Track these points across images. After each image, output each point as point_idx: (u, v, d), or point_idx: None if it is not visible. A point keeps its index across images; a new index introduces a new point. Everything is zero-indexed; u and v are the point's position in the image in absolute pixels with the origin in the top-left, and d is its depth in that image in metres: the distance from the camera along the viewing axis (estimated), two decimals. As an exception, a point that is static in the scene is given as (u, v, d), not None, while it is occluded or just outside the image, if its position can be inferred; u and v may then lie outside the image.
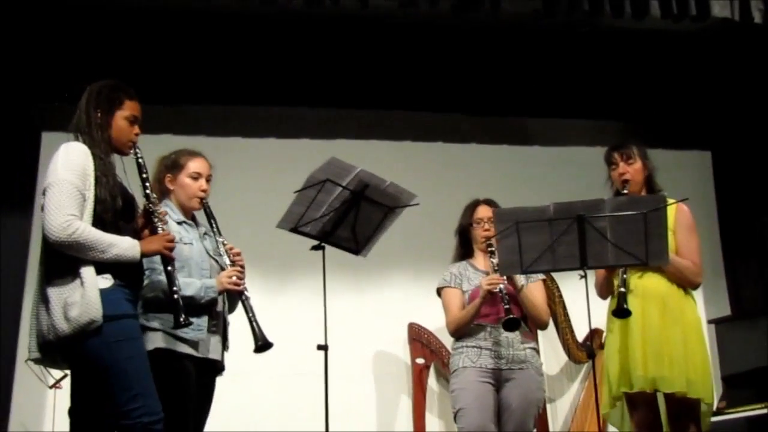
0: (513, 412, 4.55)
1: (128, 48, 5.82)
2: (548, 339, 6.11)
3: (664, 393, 4.15)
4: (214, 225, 3.91)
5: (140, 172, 3.56)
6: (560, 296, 5.98)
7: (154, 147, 3.68)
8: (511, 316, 4.39)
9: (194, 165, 3.99)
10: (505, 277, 4.45)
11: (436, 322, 5.37)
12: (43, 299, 3.25)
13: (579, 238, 3.83)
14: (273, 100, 6.19)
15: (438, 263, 4.98)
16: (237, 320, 3.96)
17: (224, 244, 3.89)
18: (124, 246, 3.31)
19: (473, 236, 4.81)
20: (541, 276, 4.80)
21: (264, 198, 5.76)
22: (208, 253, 3.91)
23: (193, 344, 3.70)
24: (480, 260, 4.79)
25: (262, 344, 3.76)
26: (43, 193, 3.30)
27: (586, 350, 5.92)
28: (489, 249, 4.59)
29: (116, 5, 5.70)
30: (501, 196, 4.90)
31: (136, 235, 3.46)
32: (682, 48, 6.42)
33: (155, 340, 3.62)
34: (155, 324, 3.64)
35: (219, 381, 3.95)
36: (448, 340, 5.01)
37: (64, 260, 3.24)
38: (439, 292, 4.81)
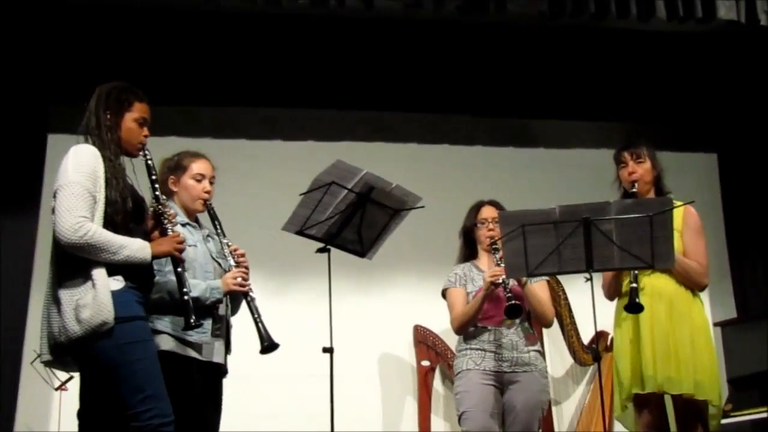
0: (517, 414, 4.53)
1: (133, 49, 5.83)
2: (554, 341, 6.11)
3: (671, 394, 4.14)
4: (218, 226, 3.91)
5: (149, 174, 3.57)
6: (566, 299, 5.98)
7: (159, 149, 3.68)
8: (513, 302, 4.36)
9: (197, 167, 3.99)
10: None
11: (441, 324, 5.36)
12: (55, 301, 3.25)
13: (585, 241, 3.81)
14: (278, 102, 6.20)
15: (443, 265, 4.97)
16: (242, 322, 3.96)
17: (228, 246, 3.89)
18: (135, 248, 3.31)
19: (477, 237, 4.80)
20: (546, 276, 4.79)
21: (269, 200, 5.76)
22: (211, 255, 3.91)
23: (197, 347, 3.70)
24: (484, 261, 4.77)
25: (268, 345, 3.76)
26: (54, 196, 3.31)
27: (591, 353, 5.91)
28: (493, 247, 4.58)
29: (122, 6, 5.71)
30: (506, 198, 4.90)
31: (146, 236, 3.46)
32: (687, 50, 6.42)
33: (160, 343, 3.61)
34: (159, 326, 3.64)
35: (224, 383, 3.95)
36: (453, 343, 5.00)
37: (75, 262, 3.24)
38: (444, 293, 4.80)
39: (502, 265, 4.31)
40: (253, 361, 3.93)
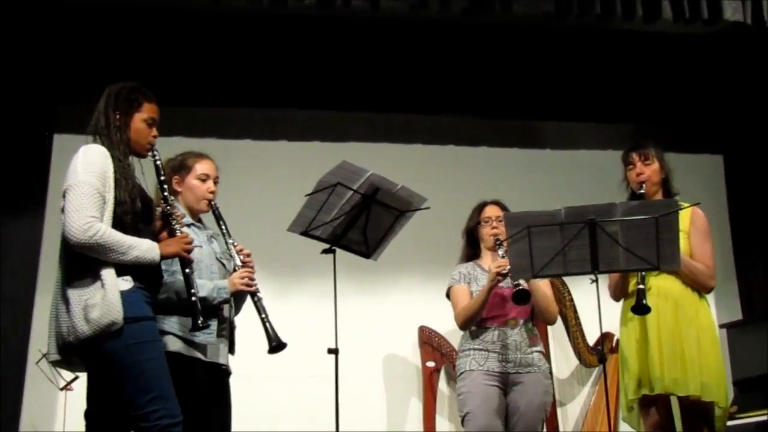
0: (521, 416, 4.51)
1: (139, 49, 5.84)
2: (559, 343, 6.11)
3: (678, 396, 4.14)
4: (223, 227, 3.90)
5: (158, 175, 3.58)
6: (571, 300, 5.97)
7: (164, 148, 3.68)
8: (521, 287, 4.33)
9: (201, 167, 3.98)
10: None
11: (446, 325, 5.36)
12: (64, 301, 3.25)
13: (590, 243, 3.82)
14: (283, 103, 6.19)
15: (449, 266, 4.96)
16: (247, 323, 3.96)
17: (234, 246, 3.89)
18: (144, 248, 3.32)
19: (481, 236, 4.77)
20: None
21: (274, 201, 5.77)
22: (216, 255, 3.91)
23: (202, 348, 3.70)
24: (488, 261, 4.74)
25: (276, 345, 3.75)
26: (63, 196, 3.31)
27: (597, 354, 5.90)
28: (497, 243, 4.56)
29: (128, 6, 5.72)
30: (512, 200, 4.90)
31: (155, 237, 3.47)
32: (693, 51, 6.42)
33: (167, 344, 3.60)
34: (166, 327, 3.63)
35: (230, 382, 3.95)
36: (458, 343, 5.00)
37: (84, 262, 3.25)
38: (448, 292, 4.77)
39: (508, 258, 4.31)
40: (258, 362, 3.94)
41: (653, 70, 6.45)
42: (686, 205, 4.07)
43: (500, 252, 4.49)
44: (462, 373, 4.61)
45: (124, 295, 3.23)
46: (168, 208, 3.53)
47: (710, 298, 4.37)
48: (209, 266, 3.83)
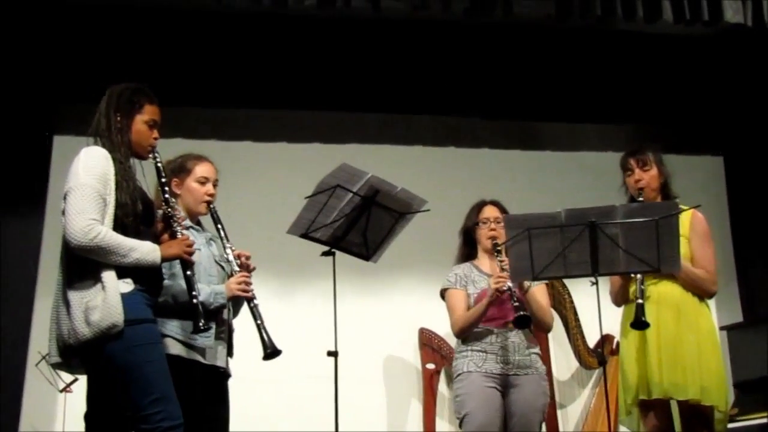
0: (520, 418, 4.48)
1: (139, 50, 5.84)
2: (559, 345, 6.10)
3: (677, 400, 4.13)
4: (221, 230, 3.89)
5: (159, 177, 3.58)
6: (571, 302, 5.97)
7: (164, 150, 3.67)
8: (522, 312, 4.30)
9: (201, 169, 3.97)
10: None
11: (446, 327, 5.30)
12: (64, 303, 3.24)
13: (591, 245, 3.82)
14: (283, 104, 6.19)
15: (449, 268, 4.96)
16: (246, 325, 3.95)
17: (232, 250, 3.88)
18: (145, 250, 3.31)
19: (478, 237, 4.73)
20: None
21: (274, 202, 5.76)
22: (214, 258, 3.90)
23: (201, 351, 3.69)
24: (484, 262, 4.71)
25: (271, 351, 3.74)
26: (64, 198, 3.30)
27: (597, 356, 5.90)
28: (495, 249, 4.54)
29: (129, 6, 5.72)
30: (512, 201, 4.88)
31: (156, 239, 3.46)
32: (694, 52, 6.41)
33: (167, 346, 3.58)
34: (166, 330, 3.61)
35: (229, 385, 3.94)
36: (455, 344, 4.99)
37: (85, 264, 3.24)
38: (443, 293, 4.73)
39: (507, 269, 4.30)
40: (259, 363, 3.91)
41: (654, 71, 6.45)
42: (686, 207, 4.06)
43: (500, 260, 4.46)
44: (459, 374, 4.57)
45: (125, 297, 3.23)
46: (169, 210, 3.53)
47: (711, 300, 4.35)
48: (208, 269, 3.82)
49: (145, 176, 3.53)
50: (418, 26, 6.09)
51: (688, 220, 4.20)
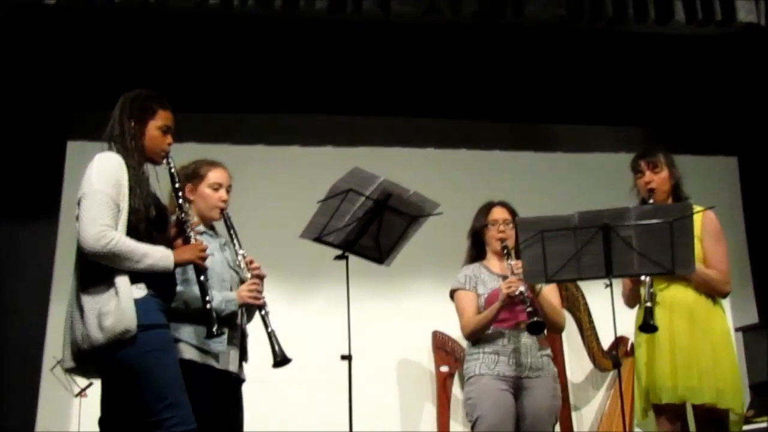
0: (532, 421, 4.44)
1: (152, 55, 5.88)
2: (573, 347, 6.08)
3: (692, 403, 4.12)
4: (234, 236, 3.89)
5: (173, 182, 3.58)
6: (585, 304, 5.96)
7: (177, 155, 3.68)
8: (536, 318, 4.27)
9: (214, 175, 3.97)
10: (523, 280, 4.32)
11: (460, 330, 5.35)
12: (78, 308, 3.26)
13: (604, 247, 3.80)
14: (295, 108, 6.20)
15: (461, 270, 4.96)
16: (261, 328, 3.94)
17: (244, 257, 3.88)
18: (158, 256, 3.32)
19: (487, 239, 4.70)
20: None
21: (287, 206, 5.77)
22: (228, 264, 3.91)
23: (215, 356, 3.70)
24: (494, 263, 4.69)
25: (280, 360, 3.74)
26: (78, 204, 3.31)
27: (611, 359, 5.88)
28: (505, 252, 4.52)
29: (142, 13, 5.72)
30: (525, 203, 4.85)
31: (169, 245, 3.47)
32: (707, 53, 6.39)
33: (180, 351, 3.59)
34: (180, 335, 3.62)
35: (244, 388, 3.94)
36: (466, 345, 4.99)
37: (98, 270, 3.25)
38: (452, 294, 4.70)
39: (517, 272, 4.29)
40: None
41: (666, 72, 6.43)
42: (700, 208, 4.05)
43: (510, 263, 4.44)
44: (471, 377, 4.53)
45: (138, 302, 3.24)
46: (182, 215, 3.54)
47: (726, 302, 4.33)
48: (221, 274, 3.82)
49: (159, 182, 3.54)
50: (428, 29, 6.09)
51: (699, 220, 4.17)
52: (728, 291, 4.24)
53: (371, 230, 4.34)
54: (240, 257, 3.86)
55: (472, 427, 4.54)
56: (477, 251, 4.77)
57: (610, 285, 3.96)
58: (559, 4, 5.53)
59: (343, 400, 4.24)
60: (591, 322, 5.95)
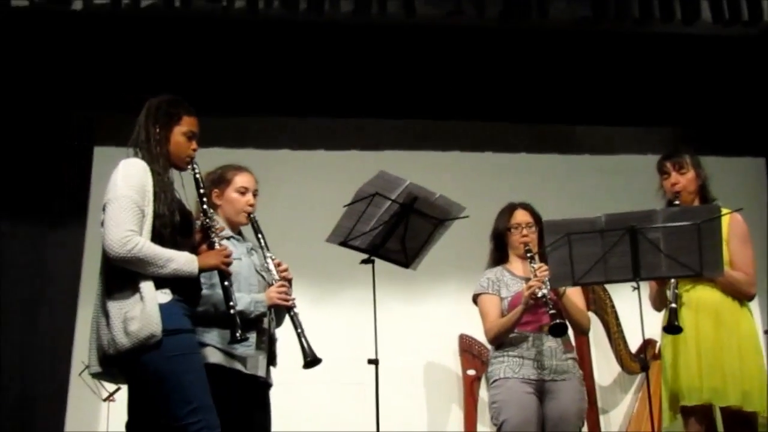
0: (558, 424, 4.41)
1: (178, 60, 5.90)
2: (601, 350, 6.05)
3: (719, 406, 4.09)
4: (261, 240, 3.91)
5: (198, 188, 3.60)
6: (613, 307, 5.93)
7: (203, 159, 3.70)
8: (558, 321, 4.25)
9: (241, 180, 3.99)
10: (547, 282, 4.30)
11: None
12: (104, 313, 3.28)
13: (631, 250, 3.78)
14: (321, 111, 6.20)
15: (486, 273, 4.95)
16: (290, 331, 3.95)
17: (272, 259, 3.89)
18: (182, 261, 3.34)
19: (510, 242, 4.67)
20: None
21: (313, 211, 5.78)
22: (255, 268, 3.91)
23: (242, 360, 3.71)
24: (517, 266, 4.66)
25: (311, 360, 3.75)
26: (103, 209, 3.34)
27: (639, 361, 5.85)
28: (528, 255, 4.49)
29: (166, 18, 5.76)
30: (551, 206, 4.83)
31: (194, 250, 3.48)
32: (733, 52, 6.32)
33: (207, 355, 3.61)
34: (206, 339, 3.64)
35: (272, 390, 3.95)
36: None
37: (123, 275, 3.28)
38: (475, 298, 4.67)
39: (539, 275, 4.26)
40: (301, 370, 3.93)
41: (692, 72, 6.37)
42: (728, 210, 4.02)
43: (534, 267, 4.41)
44: (496, 380, 4.50)
45: (163, 307, 3.26)
46: (207, 221, 3.55)
47: (753, 304, 4.30)
48: (248, 278, 3.84)
49: (185, 187, 3.56)
50: (452, 32, 6.08)
51: (726, 221, 4.13)
52: (754, 293, 4.21)
53: (397, 233, 4.33)
54: (268, 260, 3.87)
55: (498, 431, 4.50)
56: (500, 254, 4.74)
57: (638, 287, 3.94)
58: (585, 5, 5.51)
59: (369, 402, 4.24)
60: (618, 324, 5.91)
